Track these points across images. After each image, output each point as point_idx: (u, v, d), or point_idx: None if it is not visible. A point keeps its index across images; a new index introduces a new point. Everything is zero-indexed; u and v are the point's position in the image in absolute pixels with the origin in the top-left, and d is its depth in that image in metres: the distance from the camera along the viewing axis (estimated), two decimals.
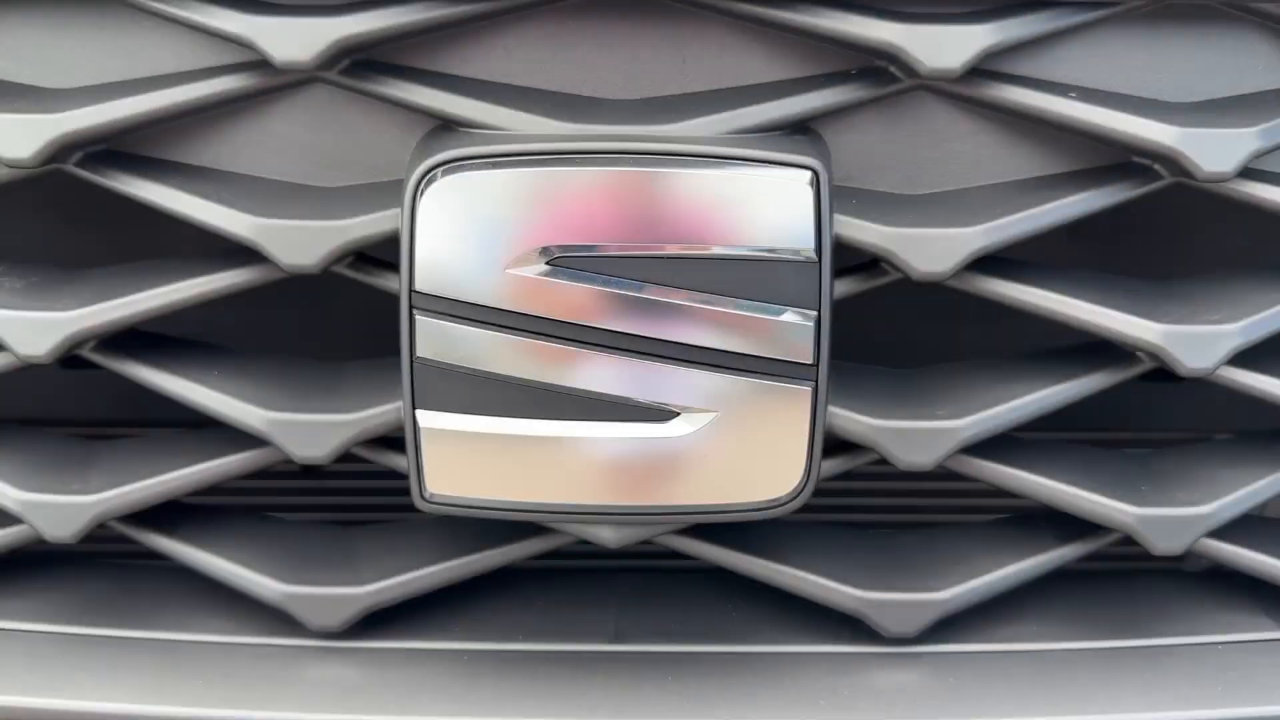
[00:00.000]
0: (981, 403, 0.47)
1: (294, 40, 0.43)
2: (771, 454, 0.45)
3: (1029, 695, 0.48)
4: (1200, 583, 0.54)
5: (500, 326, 0.43)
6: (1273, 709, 0.49)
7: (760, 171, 0.44)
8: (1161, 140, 0.45)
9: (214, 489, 0.51)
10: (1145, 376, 0.50)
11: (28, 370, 0.48)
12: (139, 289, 0.46)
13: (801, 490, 0.46)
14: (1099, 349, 0.49)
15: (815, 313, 0.44)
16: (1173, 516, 0.48)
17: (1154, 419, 0.59)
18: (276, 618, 0.49)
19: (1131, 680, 0.50)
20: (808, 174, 0.44)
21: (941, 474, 0.50)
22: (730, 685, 0.48)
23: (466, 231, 0.44)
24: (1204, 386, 0.48)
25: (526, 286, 0.43)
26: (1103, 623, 0.52)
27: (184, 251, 0.50)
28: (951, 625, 0.50)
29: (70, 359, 0.48)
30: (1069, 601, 0.53)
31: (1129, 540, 0.50)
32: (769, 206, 0.44)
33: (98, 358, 0.49)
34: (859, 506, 0.56)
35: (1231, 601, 0.53)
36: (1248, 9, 0.47)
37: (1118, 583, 0.56)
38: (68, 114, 0.45)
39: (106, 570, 0.56)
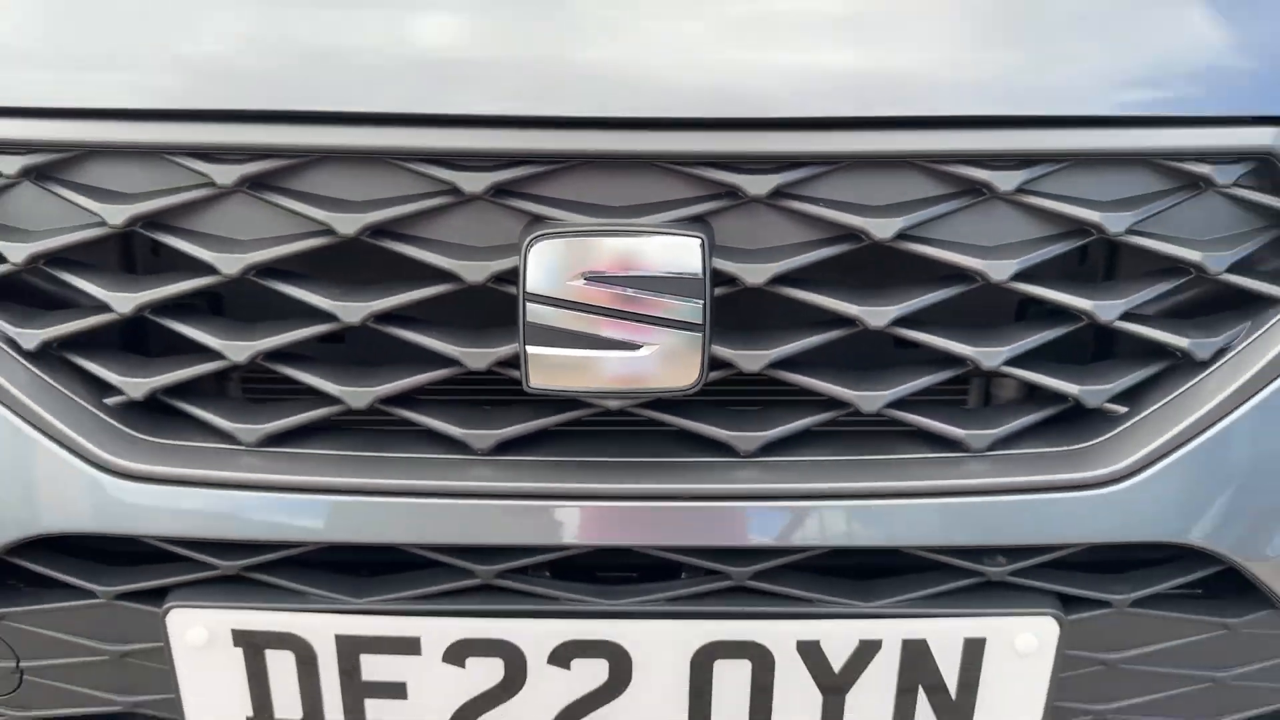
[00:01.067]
0: (782, 343, 0.98)
1: (475, 183, 0.95)
2: (684, 364, 0.90)
3: (813, 476, 0.97)
4: (904, 433, 1.01)
5: (563, 307, 0.89)
6: (919, 484, 0.96)
7: (678, 239, 0.95)
8: (857, 224, 0.95)
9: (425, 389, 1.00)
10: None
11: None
12: (404, 292, 0.97)
13: (698, 382, 0.91)
14: (845, 320, 1.00)
15: (703, 300, 0.92)
16: (870, 395, 0.99)
17: None
18: (458, 446, 0.99)
19: (868, 472, 0.98)
20: (699, 240, 0.95)
21: (769, 379, 0.99)
22: (667, 475, 0.98)
23: (549, 266, 0.89)
24: None
25: (575, 289, 0.88)
26: (855, 449, 0.99)
27: (386, 279, 1.01)
28: (774, 447, 0.99)
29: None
30: (838, 441, 1.01)
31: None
32: (683, 254, 0.94)
33: (378, 326, 0.98)
34: (732, 395, 1.08)
35: (914, 440, 1.01)
36: (910, 163, 0.98)
37: (866, 434, 1.02)
38: (371, 214, 0.95)
39: (369, 430, 1.02)
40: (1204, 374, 0.99)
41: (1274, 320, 0.98)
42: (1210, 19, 0.98)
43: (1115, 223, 0.95)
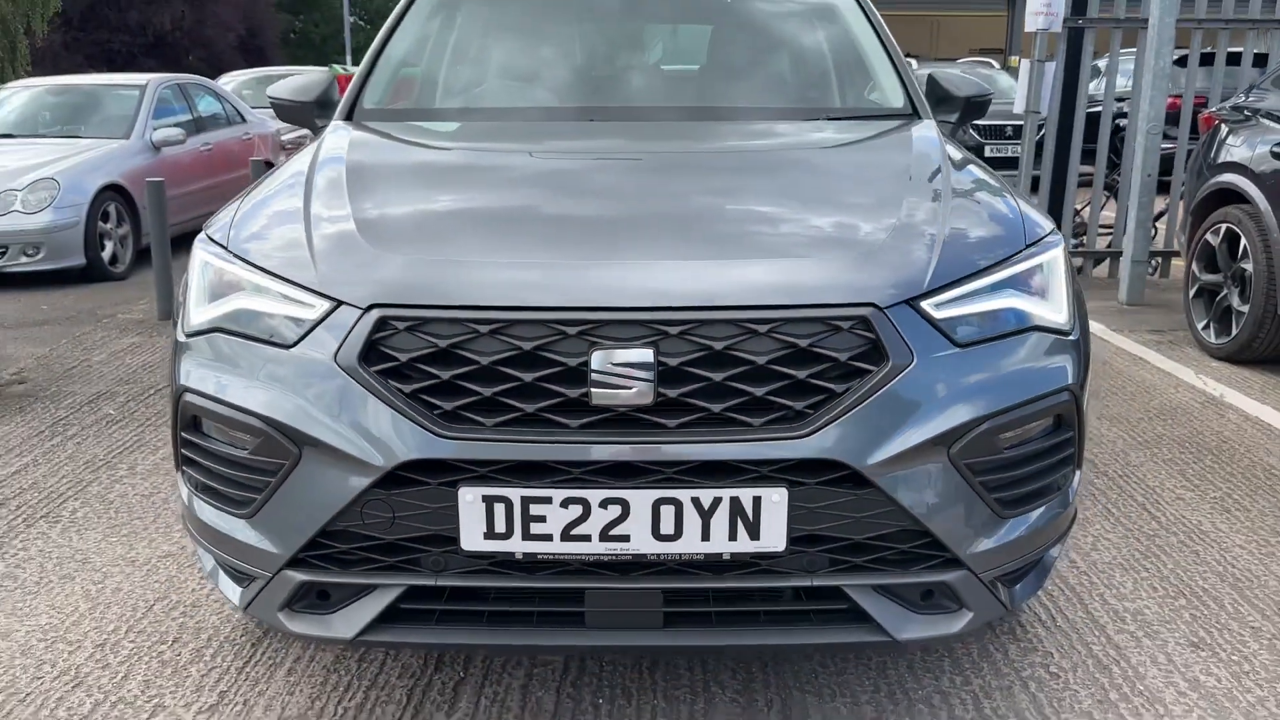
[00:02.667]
0: (684, 387, 2.70)
1: (573, 329, 2.67)
2: (647, 395, 2.53)
3: (698, 435, 2.66)
4: (733, 420, 2.77)
5: (604, 373, 2.59)
6: (735, 439, 2.70)
7: (644, 349, 2.63)
8: (711, 344, 2.66)
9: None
10: None
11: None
12: (549, 370, 2.69)
13: (653, 403, 2.60)
14: (709, 378, 2.73)
15: (654, 371, 2.57)
16: (716, 406, 2.71)
17: None
18: (565, 425, 2.73)
19: (718, 433, 2.71)
20: (652, 349, 2.67)
21: (681, 401, 2.73)
22: (641, 434, 2.67)
23: (600, 360, 2.57)
24: None
25: (608, 368, 2.57)
26: (715, 427, 2.75)
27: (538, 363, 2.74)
28: (682, 425, 2.72)
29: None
30: (710, 424, 2.74)
31: None
32: (646, 355, 2.59)
33: (538, 383, 2.72)
34: (668, 406, 2.79)
35: (736, 424, 2.76)
36: (729, 322, 2.71)
37: (722, 421, 2.78)
38: (537, 340, 2.68)
39: (529, 420, 2.79)
40: (817, 397, 2.72)
41: (866, 375, 2.72)
42: (841, 268, 2.75)
43: (804, 342, 2.70)
